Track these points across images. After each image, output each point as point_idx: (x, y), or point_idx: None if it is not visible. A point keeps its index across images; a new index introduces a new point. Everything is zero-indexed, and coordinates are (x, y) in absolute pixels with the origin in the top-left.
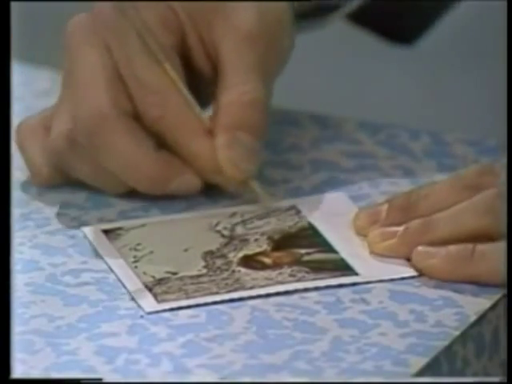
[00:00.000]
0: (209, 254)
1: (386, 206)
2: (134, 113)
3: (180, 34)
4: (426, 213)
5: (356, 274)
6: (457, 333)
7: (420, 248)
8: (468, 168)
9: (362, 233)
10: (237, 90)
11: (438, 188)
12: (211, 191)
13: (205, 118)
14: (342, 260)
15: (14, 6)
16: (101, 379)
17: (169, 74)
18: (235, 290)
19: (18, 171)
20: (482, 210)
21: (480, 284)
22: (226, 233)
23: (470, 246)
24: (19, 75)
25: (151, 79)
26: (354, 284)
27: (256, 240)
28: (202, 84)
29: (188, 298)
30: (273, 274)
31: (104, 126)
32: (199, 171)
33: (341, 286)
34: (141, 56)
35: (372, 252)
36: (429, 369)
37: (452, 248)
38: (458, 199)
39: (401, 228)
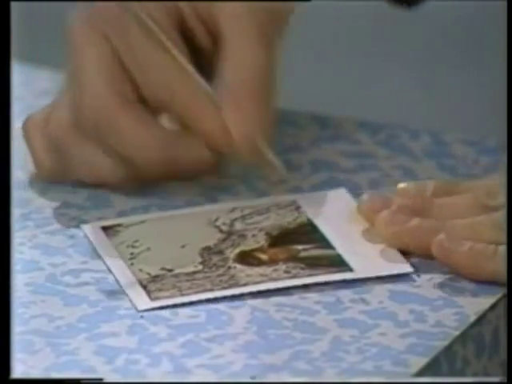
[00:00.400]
0: (206, 250)
1: (394, 202)
2: (138, 98)
3: (179, 15)
4: (439, 218)
5: (351, 270)
6: (457, 333)
7: (442, 237)
8: (482, 186)
9: (368, 217)
10: (238, 59)
11: (452, 201)
12: (210, 189)
13: (213, 94)
14: (338, 256)
15: (13, 5)
16: (101, 379)
17: (172, 54)
18: (230, 286)
19: (19, 171)
20: (499, 225)
21: (497, 283)
22: (224, 228)
23: (491, 245)
24: (19, 75)
25: (155, 63)
26: (350, 281)
27: (254, 236)
28: (204, 61)
29: (182, 295)
30: (268, 270)
31: (109, 113)
32: (215, 147)
33: (336, 282)
34: (142, 40)
35: (377, 234)
36: (429, 369)
37: (474, 245)
38: (473, 216)
39: (414, 220)
